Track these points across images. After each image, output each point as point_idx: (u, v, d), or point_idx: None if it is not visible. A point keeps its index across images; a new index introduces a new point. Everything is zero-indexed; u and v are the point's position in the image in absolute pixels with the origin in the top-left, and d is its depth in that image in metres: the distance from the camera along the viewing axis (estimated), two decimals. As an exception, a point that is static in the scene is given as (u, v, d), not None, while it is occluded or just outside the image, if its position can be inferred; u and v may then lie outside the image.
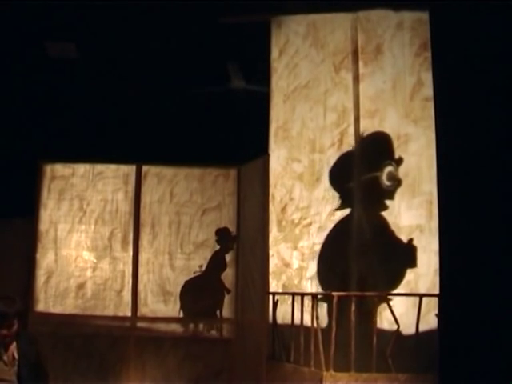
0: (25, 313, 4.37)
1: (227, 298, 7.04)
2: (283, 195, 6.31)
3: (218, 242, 7.15)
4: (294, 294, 5.87)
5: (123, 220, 7.12)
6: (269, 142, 6.38)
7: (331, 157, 6.25)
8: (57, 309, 6.98)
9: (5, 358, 4.23)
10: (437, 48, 5.90)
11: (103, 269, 7.06)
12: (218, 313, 7.06)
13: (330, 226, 6.17)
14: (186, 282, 7.13)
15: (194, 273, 7.15)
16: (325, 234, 6.19)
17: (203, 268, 7.14)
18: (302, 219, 6.24)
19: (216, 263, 7.15)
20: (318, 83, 6.34)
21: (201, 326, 7.04)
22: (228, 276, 7.05)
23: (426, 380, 5.24)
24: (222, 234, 7.17)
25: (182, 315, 7.06)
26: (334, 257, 6.11)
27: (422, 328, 5.45)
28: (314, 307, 5.41)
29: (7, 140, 6.93)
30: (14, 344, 4.27)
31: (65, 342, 6.75)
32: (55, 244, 7.07)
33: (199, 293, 7.11)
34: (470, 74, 5.30)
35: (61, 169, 7.16)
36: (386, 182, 6.03)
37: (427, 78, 6.06)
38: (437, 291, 5.64)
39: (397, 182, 6.04)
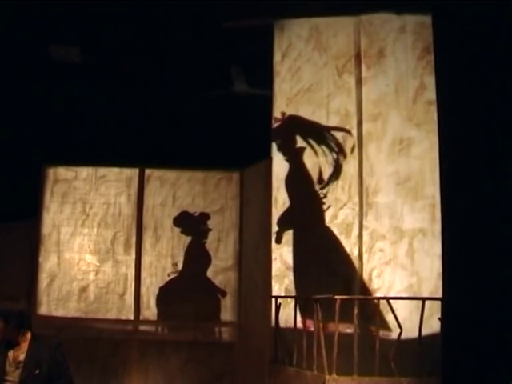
0: (25, 315, 4.31)
1: (229, 302, 7.01)
2: (286, 198, 6.30)
3: (185, 232, 6.90)
4: (296, 298, 5.86)
5: (126, 223, 7.12)
6: (271, 145, 6.38)
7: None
8: (59, 312, 6.98)
9: (10, 358, 4.22)
10: (440, 51, 5.90)
11: (106, 272, 7.06)
12: (216, 331, 6.87)
13: (333, 228, 6.17)
14: (162, 289, 6.86)
15: (169, 275, 6.93)
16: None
17: (179, 267, 6.98)
18: (305, 222, 6.25)
19: (196, 257, 6.89)
20: (321, 87, 6.35)
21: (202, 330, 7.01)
22: (230, 280, 7.03)
23: (429, 383, 5.23)
24: (182, 221, 6.86)
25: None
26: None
27: (424, 332, 5.43)
28: (317, 311, 5.40)
29: (10, 143, 6.94)
30: (24, 346, 4.26)
31: (67, 345, 6.71)
32: (58, 247, 7.07)
33: (183, 298, 6.82)
34: (473, 77, 5.30)
35: (64, 172, 7.17)
36: None
37: (430, 81, 6.06)
38: (440, 295, 5.63)
39: None
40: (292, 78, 6.40)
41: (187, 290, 6.95)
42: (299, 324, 5.70)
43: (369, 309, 5.58)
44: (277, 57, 6.46)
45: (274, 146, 6.38)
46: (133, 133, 7.02)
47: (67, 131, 7.02)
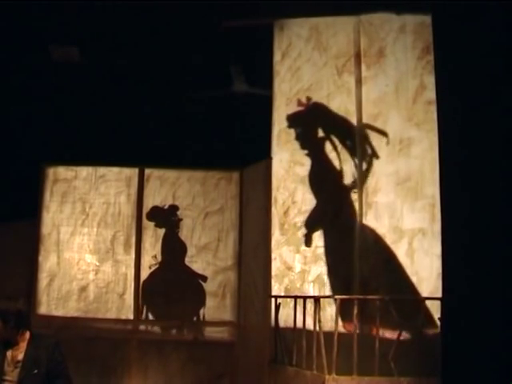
0: (23, 315, 4.31)
1: (229, 302, 7.01)
2: (286, 198, 6.31)
3: (158, 225, 7.01)
4: (296, 297, 5.86)
5: (126, 223, 7.12)
6: (271, 145, 6.38)
7: (334, 160, 6.24)
8: (59, 311, 6.98)
9: (8, 358, 4.23)
10: (439, 51, 5.90)
11: (105, 272, 7.07)
12: (201, 311, 6.94)
13: (333, 228, 6.16)
14: (146, 282, 6.97)
15: (150, 267, 7.03)
16: (327, 237, 6.17)
17: (159, 259, 7.02)
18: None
19: (172, 247, 6.98)
20: (321, 86, 6.34)
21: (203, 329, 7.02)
22: (230, 279, 7.04)
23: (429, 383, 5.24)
24: (153, 215, 6.97)
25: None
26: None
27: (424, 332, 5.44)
28: (317, 310, 5.40)
29: (10, 143, 6.94)
30: (22, 346, 4.27)
31: (67, 344, 6.70)
32: (58, 247, 7.07)
33: (169, 291, 6.93)
34: (473, 77, 5.29)
35: (63, 171, 7.18)
36: None
37: (430, 81, 6.06)
38: (439, 295, 5.62)
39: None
40: (292, 77, 6.40)
41: (168, 280, 7.00)
42: (299, 324, 5.70)
43: (421, 312, 5.51)
44: (276, 56, 6.45)
45: (275, 146, 6.37)
46: (132, 132, 7.02)
47: (67, 131, 7.01)
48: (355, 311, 5.32)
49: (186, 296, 6.96)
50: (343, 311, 5.42)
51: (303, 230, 6.23)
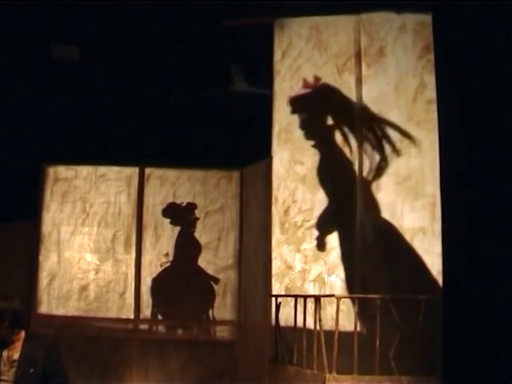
0: (19, 314, 4.31)
1: (229, 301, 7.01)
2: (286, 197, 6.31)
3: (173, 223, 6.99)
4: (296, 297, 5.86)
5: (126, 222, 7.12)
6: (272, 144, 6.37)
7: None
8: (59, 311, 6.99)
9: (4, 357, 4.23)
10: (440, 50, 5.90)
11: (106, 271, 7.07)
12: (210, 313, 6.94)
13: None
14: (156, 280, 6.96)
15: (161, 265, 7.03)
16: (328, 236, 6.17)
17: (170, 257, 7.04)
18: (305, 221, 6.23)
19: (186, 246, 6.97)
20: (321, 85, 6.34)
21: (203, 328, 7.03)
22: (230, 278, 7.04)
23: (430, 382, 5.24)
24: (169, 212, 6.92)
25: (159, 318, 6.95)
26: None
27: (424, 331, 5.43)
28: (317, 309, 5.41)
29: (10, 142, 6.94)
30: (18, 345, 4.27)
31: (67, 344, 6.72)
32: (58, 246, 7.08)
33: (179, 290, 6.93)
34: (473, 76, 5.30)
35: (64, 171, 7.17)
36: None
37: (430, 80, 6.06)
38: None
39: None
40: (292, 76, 6.39)
41: (179, 279, 6.99)
42: (299, 323, 5.70)
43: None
44: (277, 56, 6.45)
45: (275, 145, 6.36)
46: (132, 132, 7.02)
47: (67, 131, 7.02)
48: (355, 310, 5.32)
49: (195, 296, 6.94)
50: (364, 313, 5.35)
51: (303, 229, 6.23)
